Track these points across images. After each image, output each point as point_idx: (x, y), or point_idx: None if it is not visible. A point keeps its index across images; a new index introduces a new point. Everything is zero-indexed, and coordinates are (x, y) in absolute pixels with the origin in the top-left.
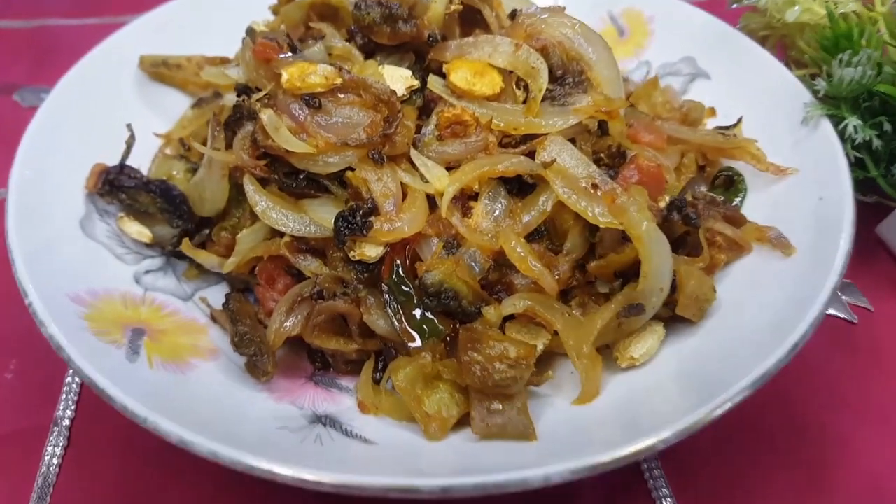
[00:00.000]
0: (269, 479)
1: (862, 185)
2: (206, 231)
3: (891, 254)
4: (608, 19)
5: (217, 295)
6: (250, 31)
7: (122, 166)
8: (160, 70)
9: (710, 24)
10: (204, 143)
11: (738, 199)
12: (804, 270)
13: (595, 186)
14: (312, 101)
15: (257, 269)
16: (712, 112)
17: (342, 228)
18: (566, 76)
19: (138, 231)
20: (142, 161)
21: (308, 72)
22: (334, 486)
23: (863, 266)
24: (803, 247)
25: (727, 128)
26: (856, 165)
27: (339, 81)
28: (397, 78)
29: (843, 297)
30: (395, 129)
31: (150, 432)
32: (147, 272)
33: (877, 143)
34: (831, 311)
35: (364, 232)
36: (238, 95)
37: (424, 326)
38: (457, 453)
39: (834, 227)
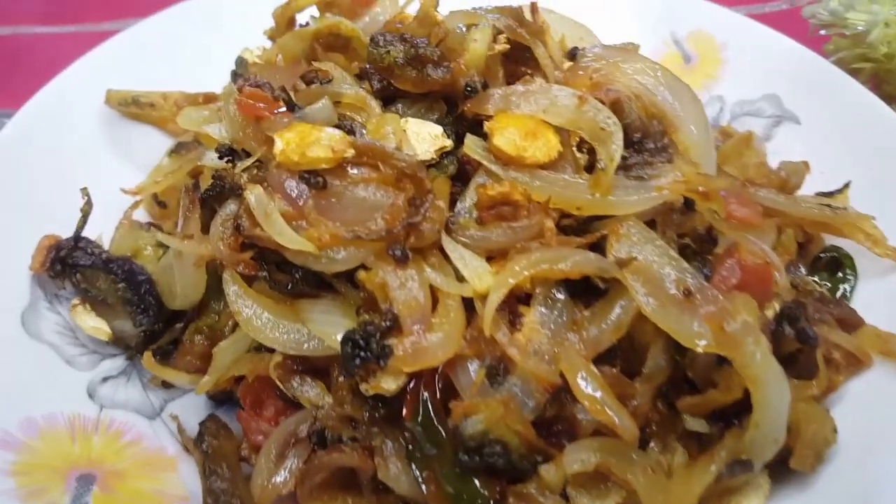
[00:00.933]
0: None
1: None
2: (179, 325)
3: None
4: (671, 42)
5: (192, 408)
6: (240, 64)
7: (76, 239)
8: (130, 109)
9: (797, 53)
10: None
11: (844, 287)
12: None
13: (688, 293)
14: (314, 179)
15: (240, 389)
16: (806, 167)
17: (353, 356)
18: (645, 140)
19: (94, 327)
20: (109, 222)
21: (309, 140)
22: None
23: None
24: None
25: (829, 194)
26: None
27: (349, 153)
28: (425, 136)
29: None
30: (423, 215)
31: None
32: (105, 379)
33: None
34: None
35: (382, 361)
36: (220, 157)
37: (463, 494)
38: None
39: None
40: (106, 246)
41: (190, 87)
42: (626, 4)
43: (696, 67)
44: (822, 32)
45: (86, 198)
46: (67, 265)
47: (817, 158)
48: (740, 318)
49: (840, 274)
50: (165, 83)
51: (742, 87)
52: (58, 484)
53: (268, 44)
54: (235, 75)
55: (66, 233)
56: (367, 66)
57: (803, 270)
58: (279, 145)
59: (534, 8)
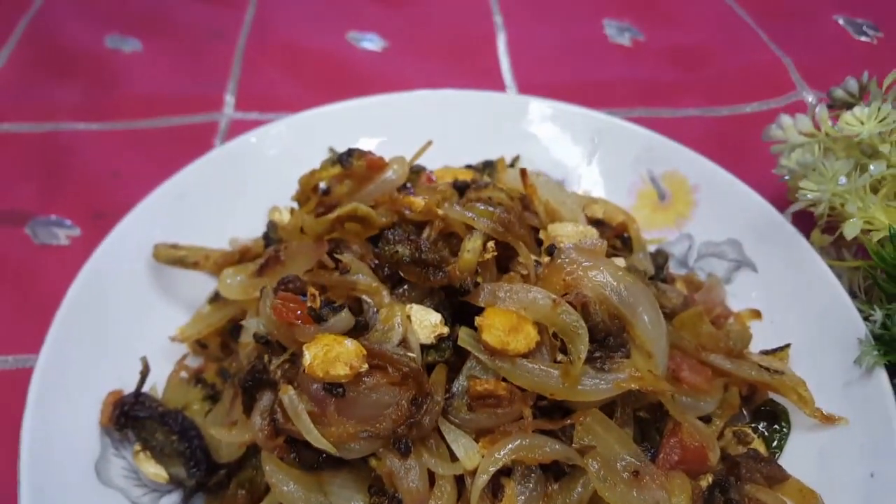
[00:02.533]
0: None
1: None
2: (223, 472)
3: None
4: (648, 180)
5: None
6: (272, 228)
7: (136, 395)
8: (177, 265)
9: (761, 208)
10: (222, 348)
11: (780, 437)
12: None
13: (636, 473)
14: (336, 390)
15: None
16: (758, 315)
17: None
18: (607, 337)
19: (155, 473)
20: (162, 367)
21: (332, 354)
22: None
23: None
24: None
25: (772, 351)
26: None
27: (364, 368)
28: (426, 323)
29: None
30: (423, 413)
31: None
32: None
33: None
34: None
35: None
36: (256, 340)
37: None
38: None
39: None
40: (159, 391)
41: (226, 230)
42: (612, 144)
43: (670, 205)
44: (793, 208)
45: (144, 364)
46: (130, 418)
47: (769, 306)
48: (674, 502)
49: (776, 425)
50: (204, 228)
51: (709, 230)
52: None
53: (293, 204)
54: (267, 238)
55: (128, 382)
56: (377, 254)
57: (747, 417)
58: (307, 358)
59: (523, 174)
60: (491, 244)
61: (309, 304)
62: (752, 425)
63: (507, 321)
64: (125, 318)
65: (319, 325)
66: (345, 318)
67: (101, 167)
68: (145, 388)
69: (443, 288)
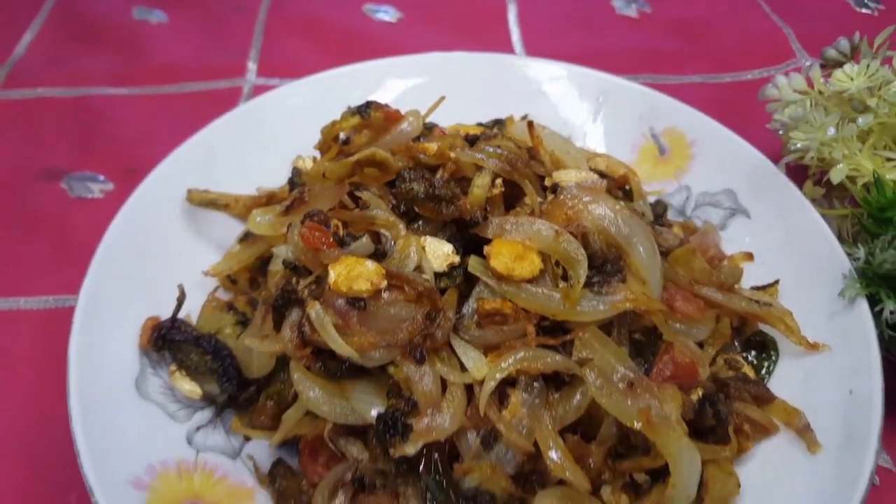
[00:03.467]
0: None
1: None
2: (254, 388)
3: None
4: (650, 136)
5: (264, 449)
6: (296, 174)
7: (173, 320)
8: (208, 207)
9: (754, 158)
10: (250, 283)
11: (768, 364)
12: (829, 479)
13: (631, 385)
14: (358, 303)
15: (301, 443)
16: (750, 257)
17: (384, 432)
18: (605, 264)
19: (190, 389)
20: (195, 299)
21: (354, 272)
22: None
23: (890, 422)
24: (830, 447)
25: (763, 287)
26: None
27: (383, 284)
28: (439, 253)
29: None
30: (436, 326)
31: None
32: (198, 428)
33: None
34: None
35: (405, 437)
36: (286, 267)
37: None
38: None
39: (862, 441)
40: (194, 319)
41: (253, 180)
42: (616, 104)
43: (669, 159)
44: (780, 133)
45: (180, 291)
46: (167, 341)
47: (760, 250)
48: (665, 409)
49: (765, 354)
50: (233, 176)
51: (706, 181)
52: None
53: (316, 153)
54: (291, 182)
55: (165, 311)
56: (394, 191)
57: (738, 347)
58: (332, 276)
59: (530, 126)
60: (499, 181)
61: (333, 232)
62: (743, 354)
63: (513, 250)
64: (161, 255)
65: (342, 248)
66: (365, 243)
67: (132, 128)
68: (180, 316)
69: (454, 222)
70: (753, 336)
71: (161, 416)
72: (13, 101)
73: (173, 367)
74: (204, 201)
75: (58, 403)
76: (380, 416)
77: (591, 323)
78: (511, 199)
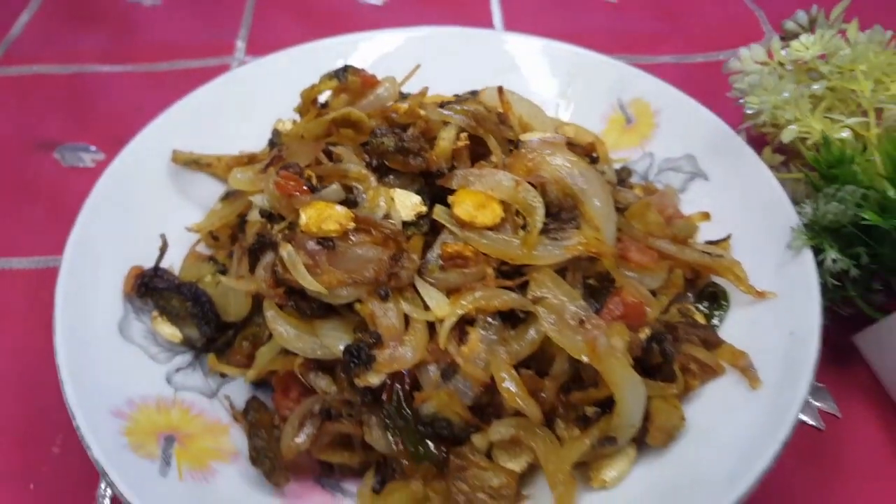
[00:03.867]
0: None
1: (841, 301)
2: (231, 332)
3: (864, 361)
4: (617, 107)
5: (240, 389)
6: (276, 134)
7: (155, 269)
8: (192, 166)
9: (714, 124)
10: (231, 240)
11: (720, 314)
12: (766, 409)
13: (581, 322)
14: (327, 242)
15: (273, 380)
16: (707, 216)
17: (349, 362)
18: (561, 212)
19: (171, 333)
20: (178, 252)
21: (324, 215)
22: None
23: (838, 371)
24: (769, 382)
25: (716, 242)
26: (837, 285)
27: (351, 226)
28: (407, 203)
29: (815, 403)
30: (400, 266)
31: None
32: (178, 370)
33: (854, 272)
34: (801, 417)
35: (368, 366)
36: (262, 216)
37: (420, 448)
38: None
39: (797, 373)
40: (176, 271)
41: (236, 145)
42: (587, 76)
43: (635, 128)
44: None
45: (163, 241)
46: (149, 288)
47: (717, 209)
48: (611, 341)
49: (716, 303)
50: (216, 140)
51: (668, 147)
52: (153, 441)
53: (296, 116)
54: (271, 143)
55: (149, 262)
56: (367, 148)
57: (691, 298)
58: (304, 219)
59: (500, 91)
60: (463, 135)
61: (305, 180)
62: (696, 304)
63: (476, 199)
64: (147, 211)
65: (314, 194)
66: (335, 189)
67: (124, 103)
68: (164, 267)
69: (423, 175)
70: (706, 287)
71: (142, 357)
72: (9, 77)
73: (155, 313)
74: (188, 161)
75: (46, 354)
76: (346, 348)
77: (546, 266)
78: (478, 157)
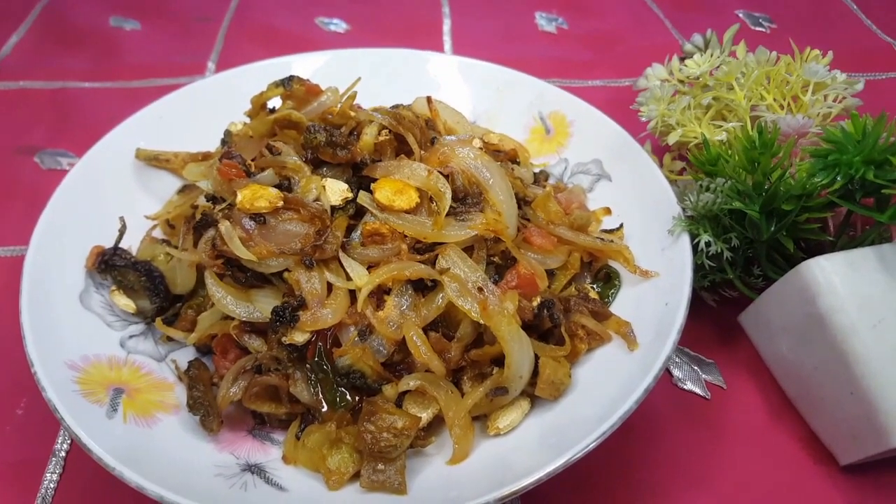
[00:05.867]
0: None
1: (725, 284)
2: (179, 305)
3: (748, 339)
4: (539, 119)
5: (186, 356)
6: (227, 134)
7: (115, 249)
8: (153, 162)
9: (617, 133)
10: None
11: (612, 292)
12: (638, 364)
13: (480, 290)
14: (259, 218)
15: (213, 342)
16: (608, 211)
17: (275, 320)
18: (467, 197)
19: (125, 304)
20: (136, 237)
21: (258, 195)
22: None
23: (725, 348)
24: (643, 343)
25: (611, 231)
26: (717, 270)
27: (280, 204)
28: (336, 190)
29: (703, 376)
30: (324, 240)
31: None
32: (131, 337)
33: (727, 254)
34: (689, 387)
35: (292, 324)
36: (207, 201)
37: (337, 398)
38: (345, 501)
39: (666, 335)
40: (133, 252)
41: (193, 146)
42: (512, 92)
43: (553, 138)
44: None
45: (122, 223)
46: (108, 265)
47: (618, 205)
48: (503, 304)
49: (609, 283)
50: (177, 142)
51: (580, 153)
52: (103, 390)
53: (247, 120)
54: (223, 142)
55: (110, 245)
56: (303, 144)
57: (588, 279)
58: (239, 197)
59: (429, 100)
60: (385, 131)
61: (244, 167)
62: (592, 285)
63: (395, 186)
64: (110, 200)
65: (250, 178)
66: (269, 174)
67: (102, 114)
68: (123, 247)
69: (351, 167)
70: (601, 269)
71: (99, 323)
72: None
73: (113, 287)
74: (149, 157)
75: (16, 332)
76: (274, 308)
77: (454, 244)
78: (402, 153)
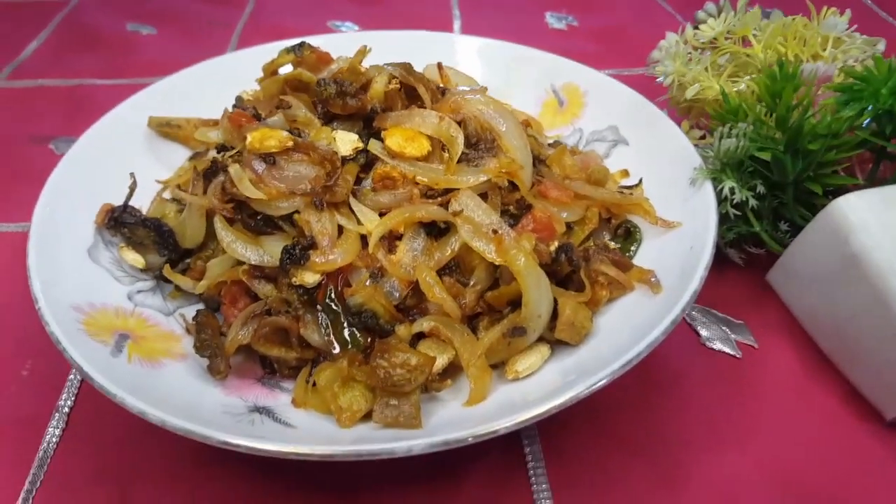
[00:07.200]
0: (207, 445)
1: (753, 239)
2: (188, 260)
3: (778, 298)
4: (551, 91)
5: (193, 312)
6: (238, 99)
7: (125, 206)
8: (164, 129)
9: (633, 98)
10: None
11: (634, 247)
12: (661, 305)
13: (495, 232)
14: (268, 158)
15: (223, 291)
16: (626, 173)
17: (285, 259)
18: (479, 143)
19: (134, 258)
20: (146, 201)
21: (267, 136)
22: (251, 448)
23: (755, 309)
24: (667, 286)
25: (629, 187)
26: (743, 222)
27: (290, 144)
28: (347, 140)
29: (733, 336)
30: (334, 181)
31: (129, 413)
32: (139, 292)
33: (753, 202)
34: (718, 347)
35: (302, 262)
36: (217, 152)
37: (348, 338)
38: (356, 437)
39: (691, 273)
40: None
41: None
42: (524, 67)
43: (566, 109)
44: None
45: (132, 179)
46: (118, 221)
47: (636, 167)
48: (515, 240)
49: (630, 238)
50: (188, 113)
51: (595, 122)
52: (108, 333)
53: (258, 88)
54: (234, 106)
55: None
56: (313, 100)
57: (607, 235)
58: (249, 139)
59: (439, 66)
60: (395, 80)
61: (253, 114)
62: (611, 240)
63: (405, 134)
64: (121, 166)
65: (260, 121)
66: (280, 119)
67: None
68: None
69: (361, 119)
70: (621, 225)
71: (108, 277)
72: (16, 89)
73: (122, 245)
74: (161, 122)
75: (26, 299)
76: (284, 248)
77: (468, 188)
78: (410, 104)
